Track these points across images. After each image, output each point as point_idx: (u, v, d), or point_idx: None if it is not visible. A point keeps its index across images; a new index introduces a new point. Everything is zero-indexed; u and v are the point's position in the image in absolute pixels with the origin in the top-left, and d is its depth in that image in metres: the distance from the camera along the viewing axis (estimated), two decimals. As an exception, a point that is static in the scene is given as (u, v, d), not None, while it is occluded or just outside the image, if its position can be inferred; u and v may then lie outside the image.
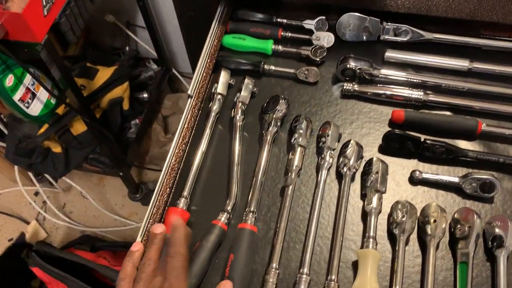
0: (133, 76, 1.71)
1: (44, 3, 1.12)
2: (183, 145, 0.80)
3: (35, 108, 1.27)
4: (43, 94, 1.29)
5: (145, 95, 1.80)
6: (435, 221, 0.70)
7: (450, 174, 0.77)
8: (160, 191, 0.74)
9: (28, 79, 1.22)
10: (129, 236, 1.86)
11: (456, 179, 0.75)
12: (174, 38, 1.98)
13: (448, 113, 0.83)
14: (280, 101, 0.83)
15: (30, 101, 1.24)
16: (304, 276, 0.68)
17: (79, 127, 1.51)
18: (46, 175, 1.77)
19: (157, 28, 1.80)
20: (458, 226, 0.70)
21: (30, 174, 1.75)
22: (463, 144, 0.80)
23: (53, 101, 1.33)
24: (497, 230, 0.70)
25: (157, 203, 0.73)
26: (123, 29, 1.89)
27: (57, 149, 1.48)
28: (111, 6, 1.83)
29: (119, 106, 1.58)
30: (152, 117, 1.89)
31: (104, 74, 1.51)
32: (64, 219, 1.88)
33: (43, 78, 1.27)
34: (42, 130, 1.43)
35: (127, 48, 1.89)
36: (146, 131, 1.84)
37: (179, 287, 0.56)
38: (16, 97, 1.20)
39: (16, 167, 1.67)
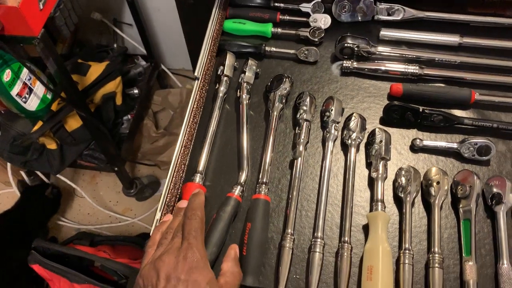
0: (123, 72, 1.72)
1: (40, -3, 1.13)
2: (194, 124, 0.82)
3: (32, 103, 1.28)
4: (39, 89, 1.30)
5: (136, 91, 1.82)
6: (438, 182, 0.75)
7: (448, 141, 0.82)
8: (176, 167, 0.76)
9: (24, 73, 1.23)
10: (125, 232, 1.87)
11: (454, 145, 0.80)
12: (161, 35, 2.00)
13: (442, 85, 0.88)
14: (284, 79, 0.86)
15: (27, 96, 1.25)
16: (319, 240, 0.72)
17: (73, 123, 1.51)
18: (40, 175, 1.77)
19: (145, 24, 1.82)
20: (459, 187, 0.75)
21: (23, 174, 1.75)
22: (458, 113, 0.85)
23: (49, 95, 1.33)
24: (495, 189, 0.75)
25: (173, 179, 0.75)
26: (110, 27, 1.90)
27: (52, 145, 1.49)
28: (98, 4, 1.84)
29: (112, 101, 1.59)
30: (143, 113, 1.90)
31: (96, 69, 1.52)
32: (58, 218, 1.87)
33: (38, 73, 1.28)
34: (36, 127, 1.43)
35: (115, 45, 1.89)
36: (138, 126, 1.85)
37: (196, 246, 0.58)
38: (14, 92, 1.21)
39: (9, 169, 1.66)
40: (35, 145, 1.44)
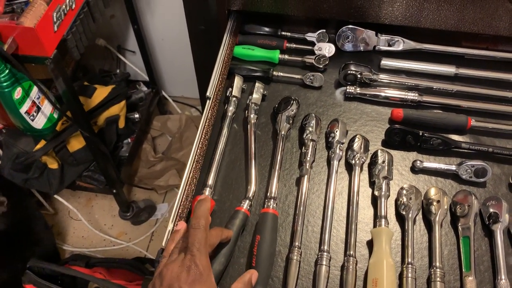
0: (127, 96, 1.76)
1: (55, 19, 1.17)
2: (205, 141, 0.86)
3: (39, 121, 1.30)
4: (47, 108, 1.32)
5: (136, 115, 1.85)
6: (438, 201, 0.79)
7: (446, 163, 0.86)
8: (188, 180, 0.79)
9: (34, 92, 1.26)
10: (119, 256, 1.85)
11: (452, 167, 0.85)
12: (163, 63, 2.06)
13: (440, 111, 0.93)
14: (292, 101, 0.91)
15: (35, 114, 1.28)
16: (325, 253, 0.74)
17: (75, 144, 1.53)
18: (37, 195, 1.77)
19: (149, 52, 1.88)
20: (458, 206, 0.79)
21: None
22: (455, 137, 0.90)
23: (55, 115, 1.36)
24: (492, 209, 0.79)
25: (185, 192, 0.78)
26: (114, 53, 1.95)
27: (53, 165, 1.50)
28: (104, 30, 1.90)
29: (115, 124, 1.62)
30: (142, 137, 1.93)
31: (101, 92, 1.56)
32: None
33: (47, 92, 1.31)
34: (38, 146, 1.45)
35: (118, 71, 1.95)
36: (137, 150, 1.88)
37: (199, 258, 0.59)
38: (23, 109, 1.23)
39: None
40: (37, 164, 1.46)
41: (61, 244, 1.87)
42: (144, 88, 1.95)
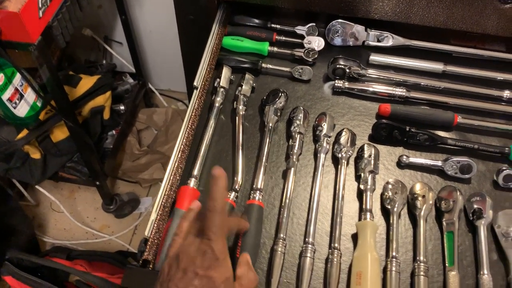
0: (113, 87, 1.74)
1: (40, 5, 1.15)
2: (191, 131, 0.85)
3: (22, 109, 1.28)
4: (30, 96, 1.30)
5: (122, 107, 1.83)
6: (423, 196, 0.79)
7: (432, 159, 0.86)
8: (173, 170, 0.78)
9: (17, 79, 1.23)
10: (101, 249, 1.83)
11: (438, 163, 0.85)
12: (151, 55, 2.04)
13: (427, 107, 0.93)
14: (280, 94, 0.90)
15: (17, 101, 1.25)
16: (310, 245, 0.74)
17: (59, 134, 1.51)
18: (19, 186, 1.74)
19: (136, 43, 1.86)
20: (443, 201, 0.79)
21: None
22: (441, 134, 0.90)
23: (39, 103, 1.33)
24: (476, 205, 0.79)
25: (170, 181, 0.77)
26: (101, 44, 1.92)
27: (36, 155, 1.48)
28: (90, 20, 1.87)
29: (100, 115, 1.60)
30: (127, 130, 1.91)
31: (87, 82, 1.54)
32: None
33: (31, 80, 1.28)
34: (21, 135, 1.42)
35: (104, 62, 1.92)
36: (122, 143, 1.86)
37: (215, 242, 0.57)
38: (5, 96, 1.21)
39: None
40: (19, 153, 1.43)
41: (41, 236, 1.84)
42: (131, 80, 1.92)
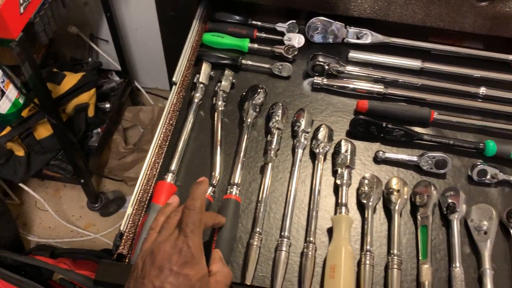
0: (97, 85, 1.73)
1: (21, 1, 1.15)
2: (169, 126, 0.85)
3: (3, 106, 1.27)
4: (12, 93, 1.29)
5: (107, 105, 1.82)
6: (398, 191, 0.80)
7: (408, 154, 0.87)
8: (150, 165, 0.78)
9: (-2, 76, 1.23)
10: (86, 247, 1.82)
11: (414, 158, 0.86)
12: (137, 53, 2.03)
13: (404, 104, 0.94)
14: (259, 90, 0.91)
15: (-1, 98, 1.25)
16: (285, 239, 0.74)
17: (43, 132, 1.50)
18: (2, 184, 1.73)
19: (122, 41, 1.85)
20: (418, 196, 0.80)
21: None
22: (418, 130, 0.91)
23: (21, 100, 1.33)
24: (450, 199, 0.80)
25: (147, 176, 0.77)
26: (86, 41, 1.92)
27: (20, 152, 1.47)
28: (75, 18, 1.86)
29: (84, 113, 1.59)
30: (113, 128, 1.90)
31: (71, 79, 1.53)
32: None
33: (12, 76, 1.28)
34: (4, 132, 1.41)
35: (90, 60, 1.91)
36: (107, 141, 1.85)
37: (192, 240, 0.58)
38: (-14, 93, 1.20)
39: None
40: (2, 150, 1.42)
41: (26, 235, 1.83)
42: (116, 78, 1.92)
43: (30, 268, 1.46)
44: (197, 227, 0.59)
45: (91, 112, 1.62)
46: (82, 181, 1.65)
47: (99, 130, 1.77)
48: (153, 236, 0.62)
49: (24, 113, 1.41)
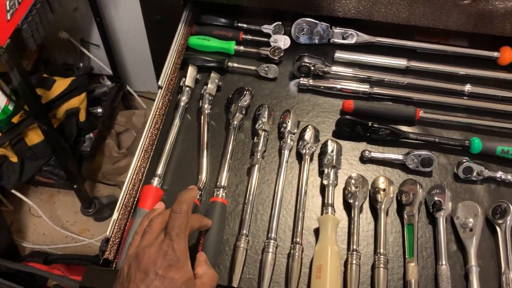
0: (88, 89, 1.73)
1: (8, 8, 1.14)
2: (155, 130, 0.85)
3: (-8, 113, 1.27)
4: (0, 99, 1.29)
5: (99, 110, 1.83)
6: (384, 190, 0.80)
7: (394, 153, 0.88)
8: (136, 169, 0.78)
9: (-14, 83, 1.23)
10: (81, 253, 1.82)
11: (400, 157, 0.86)
12: (128, 57, 2.03)
13: (390, 103, 0.95)
14: (245, 92, 0.91)
15: (-12, 105, 1.25)
16: (272, 241, 0.75)
17: (34, 137, 1.50)
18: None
19: (113, 45, 1.85)
20: (404, 194, 0.80)
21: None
22: (404, 128, 0.91)
23: (10, 107, 1.33)
24: (436, 197, 0.80)
25: (133, 180, 0.77)
26: (77, 46, 1.92)
27: (14, 158, 1.47)
28: (66, 23, 1.86)
29: (75, 117, 1.59)
30: (105, 132, 1.90)
31: (61, 84, 1.53)
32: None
33: (1, 83, 1.28)
34: (-6, 139, 1.41)
35: (81, 64, 1.91)
36: (100, 145, 1.85)
37: (177, 243, 0.58)
38: (-26, 100, 1.20)
39: None
40: (-7, 157, 1.42)
41: (20, 242, 1.83)
42: (108, 83, 1.92)
43: (25, 275, 1.46)
44: (182, 231, 0.59)
45: (82, 117, 1.63)
46: (75, 186, 1.65)
47: (91, 135, 1.77)
48: (137, 241, 0.62)
49: (15, 120, 1.41)
